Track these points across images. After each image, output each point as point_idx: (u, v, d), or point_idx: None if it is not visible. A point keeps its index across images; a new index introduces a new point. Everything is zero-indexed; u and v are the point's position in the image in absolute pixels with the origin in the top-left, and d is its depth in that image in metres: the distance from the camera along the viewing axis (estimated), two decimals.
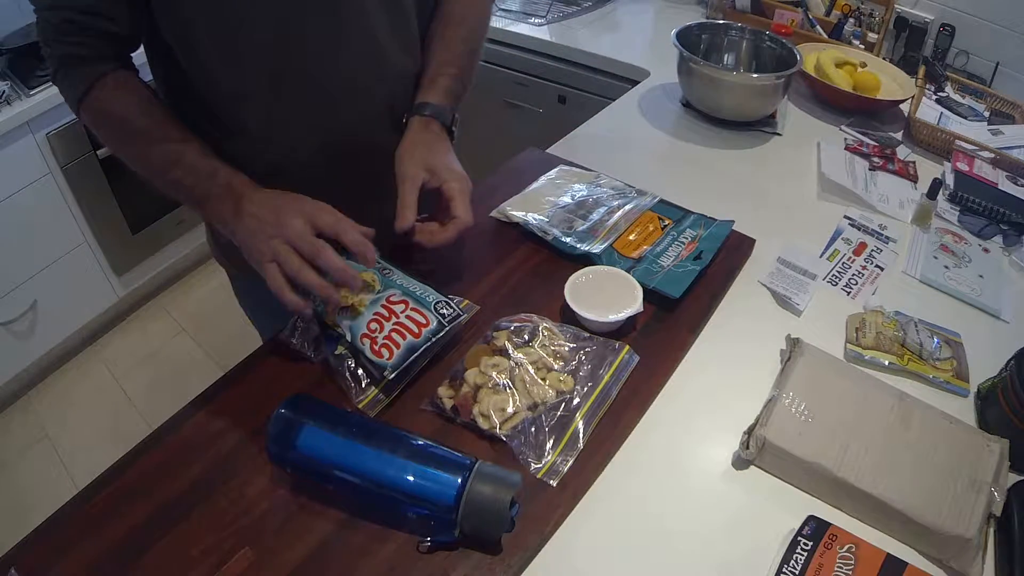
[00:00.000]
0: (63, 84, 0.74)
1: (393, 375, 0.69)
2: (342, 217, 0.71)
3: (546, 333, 0.74)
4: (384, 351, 0.69)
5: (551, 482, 0.64)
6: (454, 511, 0.57)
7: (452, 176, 0.78)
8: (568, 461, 0.66)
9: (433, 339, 0.71)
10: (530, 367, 0.70)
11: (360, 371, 0.71)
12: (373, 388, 0.71)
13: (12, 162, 1.72)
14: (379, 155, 0.84)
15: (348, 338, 0.71)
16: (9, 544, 0.60)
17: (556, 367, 0.71)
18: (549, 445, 0.66)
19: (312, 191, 0.83)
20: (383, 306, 0.72)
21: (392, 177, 0.87)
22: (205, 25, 0.71)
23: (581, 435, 0.67)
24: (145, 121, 0.74)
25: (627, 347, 0.75)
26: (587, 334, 0.76)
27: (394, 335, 0.70)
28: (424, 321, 0.71)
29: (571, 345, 0.74)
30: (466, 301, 0.81)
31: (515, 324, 0.75)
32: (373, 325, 0.71)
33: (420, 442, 0.62)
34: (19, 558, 0.59)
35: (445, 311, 0.73)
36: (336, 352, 0.72)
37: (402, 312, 0.72)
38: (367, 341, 0.70)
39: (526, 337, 0.73)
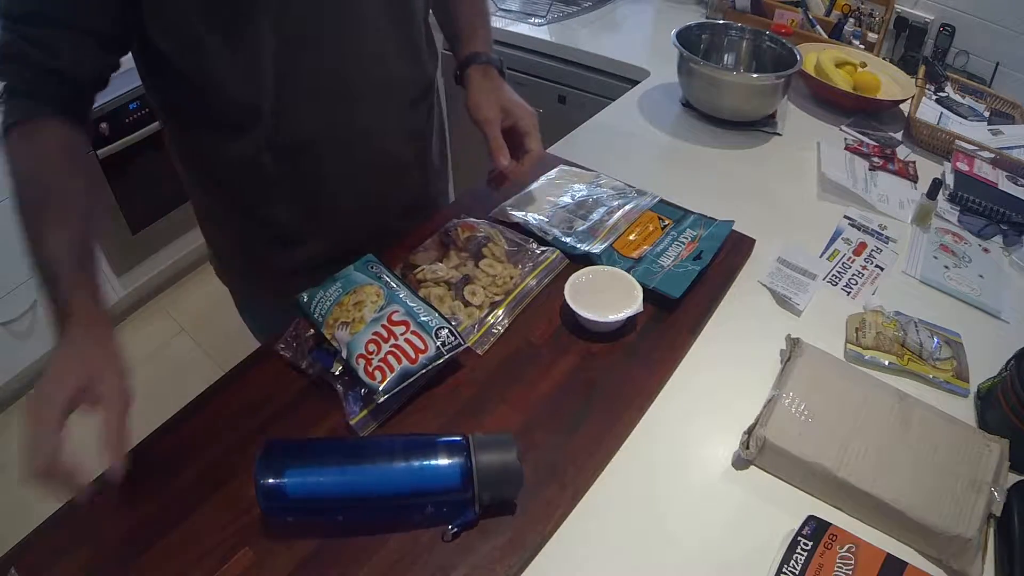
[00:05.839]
0: None
1: (383, 399, 0.67)
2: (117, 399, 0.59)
3: (494, 240, 0.86)
4: (377, 373, 0.67)
5: (478, 351, 0.76)
6: (470, 489, 0.58)
7: (524, 113, 0.87)
8: (491, 339, 0.78)
9: (429, 366, 0.69)
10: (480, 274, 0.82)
11: (351, 392, 0.70)
12: (365, 409, 0.69)
13: None
14: (385, 171, 0.86)
15: (344, 355, 0.70)
16: (9, 544, 0.60)
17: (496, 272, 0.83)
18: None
19: (312, 202, 0.83)
20: (383, 325, 0.71)
21: (399, 192, 0.89)
22: (206, 29, 0.68)
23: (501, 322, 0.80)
24: (31, 190, 0.64)
25: (556, 251, 0.87)
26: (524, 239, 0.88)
27: (390, 358, 0.68)
28: (422, 347, 0.69)
29: (508, 249, 0.86)
30: (464, 324, 0.78)
31: (464, 231, 0.85)
32: (371, 347, 0.69)
33: (407, 440, 0.62)
34: (19, 558, 0.59)
35: (447, 339, 0.71)
36: (332, 371, 0.71)
37: (401, 334, 0.70)
38: (362, 362, 0.68)
39: (480, 237, 0.85)
